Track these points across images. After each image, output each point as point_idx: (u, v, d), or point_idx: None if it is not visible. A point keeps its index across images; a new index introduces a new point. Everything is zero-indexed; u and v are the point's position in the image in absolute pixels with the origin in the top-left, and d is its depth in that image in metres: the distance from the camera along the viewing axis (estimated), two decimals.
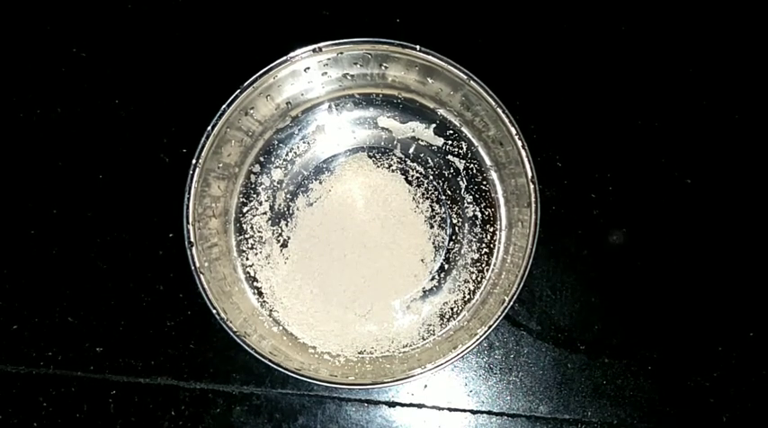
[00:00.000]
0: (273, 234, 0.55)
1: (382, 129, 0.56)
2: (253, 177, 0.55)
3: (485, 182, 0.55)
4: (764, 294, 0.55)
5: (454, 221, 0.55)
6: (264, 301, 0.54)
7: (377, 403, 0.54)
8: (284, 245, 0.55)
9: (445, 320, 0.54)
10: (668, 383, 0.54)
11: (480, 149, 0.55)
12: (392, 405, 0.54)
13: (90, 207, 0.56)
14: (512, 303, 0.46)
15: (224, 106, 0.48)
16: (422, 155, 0.56)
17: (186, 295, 0.54)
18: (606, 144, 0.57)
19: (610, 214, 0.56)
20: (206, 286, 0.47)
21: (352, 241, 0.54)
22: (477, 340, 0.46)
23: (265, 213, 0.55)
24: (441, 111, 0.55)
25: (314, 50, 0.49)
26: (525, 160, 0.48)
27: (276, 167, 0.56)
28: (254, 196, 0.55)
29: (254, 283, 0.54)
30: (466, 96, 0.52)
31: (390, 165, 0.56)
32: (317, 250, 0.54)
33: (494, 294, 0.52)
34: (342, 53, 0.51)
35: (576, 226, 0.56)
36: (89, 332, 0.54)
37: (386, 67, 0.53)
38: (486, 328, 0.46)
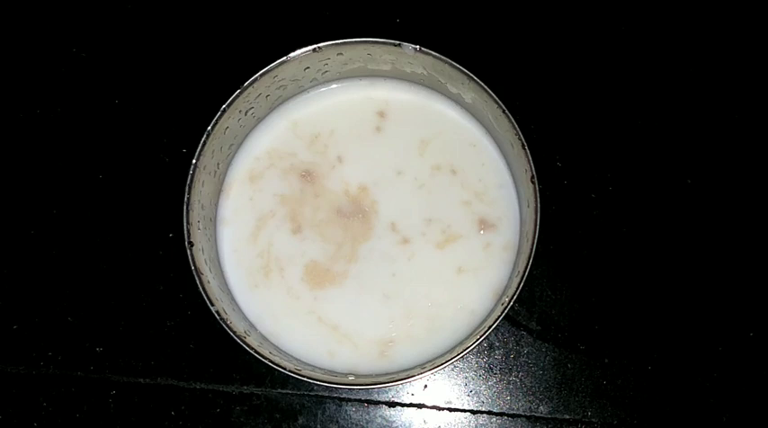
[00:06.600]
0: None
1: None
2: None
3: None
4: (764, 294, 0.55)
5: None
6: None
7: (377, 403, 0.54)
8: None
9: None
10: (668, 383, 0.54)
11: None
12: (392, 405, 0.54)
13: (90, 207, 0.56)
14: (512, 303, 0.45)
15: (224, 106, 0.48)
16: None
17: (186, 295, 0.54)
18: (606, 144, 0.57)
19: (610, 214, 0.56)
20: (206, 286, 0.47)
21: None
22: (478, 340, 0.46)
23: None
24: None
25: (314, 50, 0.49)
26: (525, 160, 0.48)
27: None
28: None
29: None
30: None
31: None
32: None
33: None
34: (342, 53, 0.51)
35: (576, 226, 0.56)
36: (89, 332, 0.54)
37: None
38: (486, 328, 0.46)
